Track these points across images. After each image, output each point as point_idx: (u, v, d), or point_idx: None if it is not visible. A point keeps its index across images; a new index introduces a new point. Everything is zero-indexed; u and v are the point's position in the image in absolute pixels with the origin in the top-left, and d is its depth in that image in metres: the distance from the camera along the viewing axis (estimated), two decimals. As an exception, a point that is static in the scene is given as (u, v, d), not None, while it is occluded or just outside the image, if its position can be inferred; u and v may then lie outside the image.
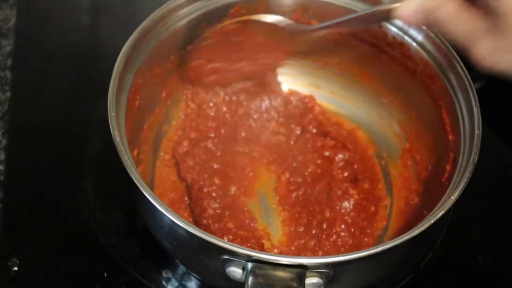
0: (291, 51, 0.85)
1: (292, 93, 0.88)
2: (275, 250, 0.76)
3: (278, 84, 0.87)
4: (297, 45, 0.84)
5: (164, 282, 0.75)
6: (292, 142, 0.85)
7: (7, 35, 0.94)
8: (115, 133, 0.65)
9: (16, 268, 0.74)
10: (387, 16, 0.68)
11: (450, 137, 0.73)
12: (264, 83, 0.86)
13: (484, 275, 0.78)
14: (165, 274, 0.75)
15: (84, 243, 0.77)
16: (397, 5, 0.66)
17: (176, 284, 0.75)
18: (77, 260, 0.75)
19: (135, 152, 0.77)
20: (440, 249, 0.78)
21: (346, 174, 0.82)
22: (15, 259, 0.74)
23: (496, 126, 0.88)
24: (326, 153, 0.84)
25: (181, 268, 0.76)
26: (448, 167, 0.71)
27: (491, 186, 0.85)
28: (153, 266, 0.76)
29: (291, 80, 0.88)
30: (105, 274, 0.74)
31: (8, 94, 0.88)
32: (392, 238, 0.69)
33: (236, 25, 0.79)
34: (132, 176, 0.63)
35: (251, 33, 0.80)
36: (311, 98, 0.88)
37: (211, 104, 0.85)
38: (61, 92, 0.89)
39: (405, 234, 0.61)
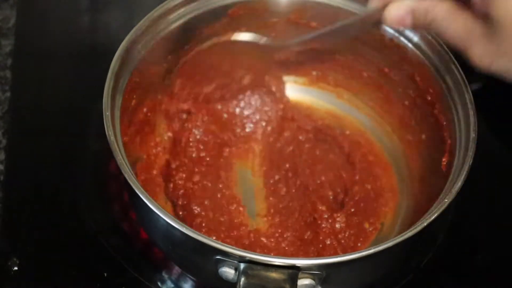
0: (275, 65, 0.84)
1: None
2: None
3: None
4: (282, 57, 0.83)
5: (164, 282, 0.75)
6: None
7: (7, 35, 0.94)
8: (109, 132, 0.65)
9: (16, 268, 0.74)
10: (375, 21, 0.66)
11: (446, 140, 0.72)
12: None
13: (484, 275, 0.78)
14: (165, 273, 0.76)
15: (84, 243, 0.77)
16: (385, 8, 0.64)
17: (176, 283, 0.75)
18: (77, 260, 0.75)
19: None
20: (440, 249, 0.78)
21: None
22: (15, 259, 0.74)
23: (495, 127, 0.88)
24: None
25: (181, 268, 0.76)
26: (443, 169, 0.71)
27: (491, 186, 0.84)
28: (153, 266, 0.76)
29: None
30: (105, 274, 0.74)
31: (8, 94, 0.88)
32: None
33: (214, 46, 0.78)
34: (126, 176, 0.63)
35: (229, 53, 0.79)
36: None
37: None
38: (61, 92, 0.89)
39: (397, 236, 0.61)
